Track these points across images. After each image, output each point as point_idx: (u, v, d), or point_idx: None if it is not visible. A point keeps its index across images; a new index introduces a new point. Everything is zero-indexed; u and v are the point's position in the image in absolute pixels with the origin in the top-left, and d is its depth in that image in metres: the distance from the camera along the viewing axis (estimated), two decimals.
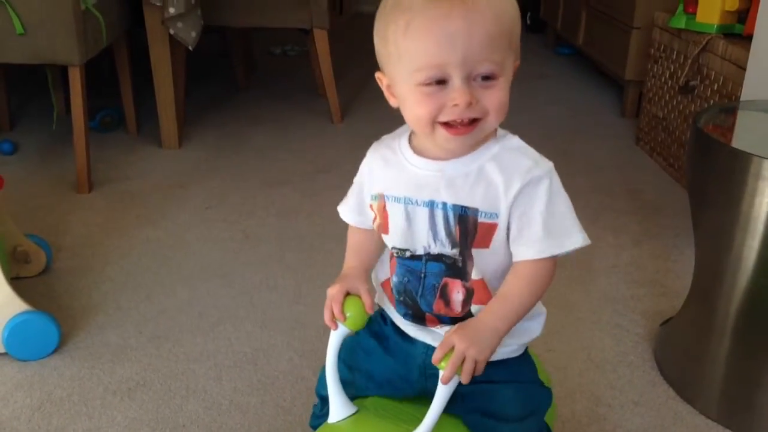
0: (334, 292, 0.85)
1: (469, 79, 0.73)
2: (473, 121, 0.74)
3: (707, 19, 1.98)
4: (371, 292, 0.86)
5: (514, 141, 0.81)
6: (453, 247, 0.80)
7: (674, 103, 2.20)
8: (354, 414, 0.84)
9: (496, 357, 0.80)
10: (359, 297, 0.84)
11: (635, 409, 1.25)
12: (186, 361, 1.35)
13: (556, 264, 0.79)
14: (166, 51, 2.24)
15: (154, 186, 2.11)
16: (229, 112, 2.74)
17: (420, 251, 0.81)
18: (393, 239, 0.83)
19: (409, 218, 0.81)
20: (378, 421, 0.85)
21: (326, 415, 0.86)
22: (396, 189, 0.81)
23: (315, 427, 0.91)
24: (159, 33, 2.22)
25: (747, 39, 1.81)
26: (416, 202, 0.80)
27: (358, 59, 3.15)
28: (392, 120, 0.86)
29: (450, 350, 0.75)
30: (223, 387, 1.28)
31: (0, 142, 2.30)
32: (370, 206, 0.86)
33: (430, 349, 0.85)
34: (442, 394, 0.77)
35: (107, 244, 1.77)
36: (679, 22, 2.11)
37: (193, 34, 2.23)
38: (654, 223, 1.93)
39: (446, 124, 0.75)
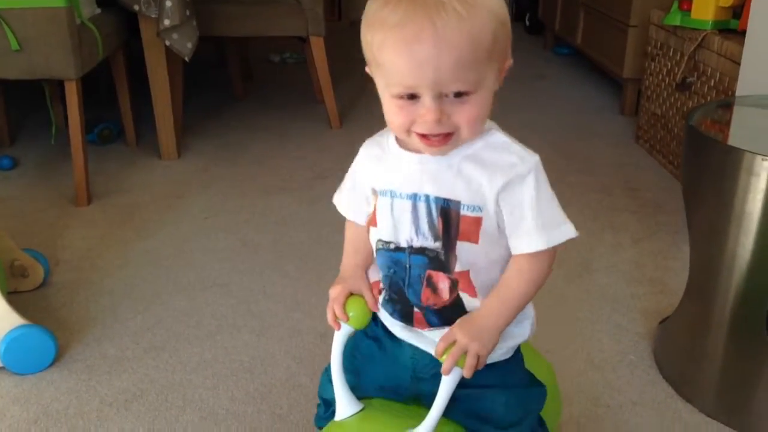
0: (335, 293, 0.85)
1: (440, 96, 0.73)
2: (447, 134, 0.75)
3: (702, 15, 1.97)
4: (372, 290, 0.86)
5: (498, 137, 0.79)
6: (435, 240, 0.80)
7: (672, 100, 2.19)
8: (360, 411, 0.85)
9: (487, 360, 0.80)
10: (361, 296, 0.85)
11: (634, 409, 1.24)
12: (183, 371, 1.35)
13: (555, 257, 0.80)
14: (162, 62, 2.25)
15: (153, 197, 2.12)
16: (227, 121, 2.75)
17: (403, 244, 0.82)
18: (380, 232, 0.83)
19: (393, 211, 0.81)
20: (384, 418, 0.86)
21: (331, 416, 0.87)
22: (383, 183, 0.82)
23: (321, 427, 0.92)
24: (155, 45, 2.22)
25: (742, 34, 1.80)
26: (400, 195, 0.80)
27: (357, 65, 3.13)
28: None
29: (451, 344, 0.77)
30: (220, 396, 1.28)
31: None
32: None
33: (416, 352, 0.85)
34: (445, 386, 0.78)
35: (105, 257, 1.77)
36: (674, 19, 2.10)
37: (189, 45, 2.23)
38: (653, 221, 1.92)
39: (421, 135, 0.75)
